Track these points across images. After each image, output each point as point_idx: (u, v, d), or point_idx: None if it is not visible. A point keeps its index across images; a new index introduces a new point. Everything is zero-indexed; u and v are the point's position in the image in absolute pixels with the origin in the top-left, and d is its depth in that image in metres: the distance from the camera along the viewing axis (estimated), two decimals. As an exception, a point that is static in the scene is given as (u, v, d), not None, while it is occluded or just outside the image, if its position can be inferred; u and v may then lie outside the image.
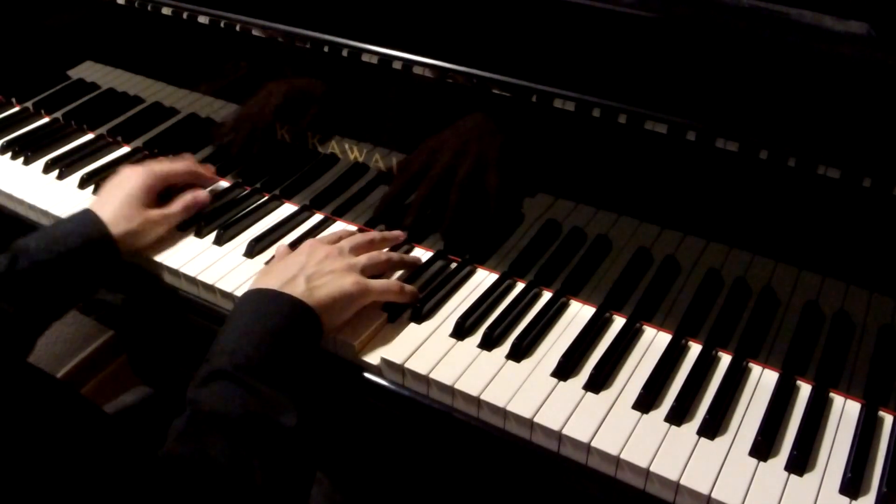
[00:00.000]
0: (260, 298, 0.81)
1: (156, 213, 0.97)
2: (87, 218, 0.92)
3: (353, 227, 1.04)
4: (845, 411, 0.80)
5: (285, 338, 0.77)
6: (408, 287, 0.90)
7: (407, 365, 0.83)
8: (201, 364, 0.75)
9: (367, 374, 0.86)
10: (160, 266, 0.97)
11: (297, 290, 0.81)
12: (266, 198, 1.09)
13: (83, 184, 1.12)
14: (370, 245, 0.94)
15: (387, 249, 0.96)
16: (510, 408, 0.78)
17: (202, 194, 1.04)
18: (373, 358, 0.85)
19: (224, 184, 1.13)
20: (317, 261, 0.86)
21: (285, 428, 0.72)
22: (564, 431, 0.76)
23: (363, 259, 0.90)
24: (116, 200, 0.94)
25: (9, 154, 1.20)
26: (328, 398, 0.93)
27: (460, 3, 0.89)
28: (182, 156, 1.10)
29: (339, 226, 1.05)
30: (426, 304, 0.90)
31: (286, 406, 0.73)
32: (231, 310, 0.80)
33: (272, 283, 0.82)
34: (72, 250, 0.88)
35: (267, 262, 0.96)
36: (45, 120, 1.29)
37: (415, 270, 0.95)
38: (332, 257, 0.87)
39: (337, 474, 0.99)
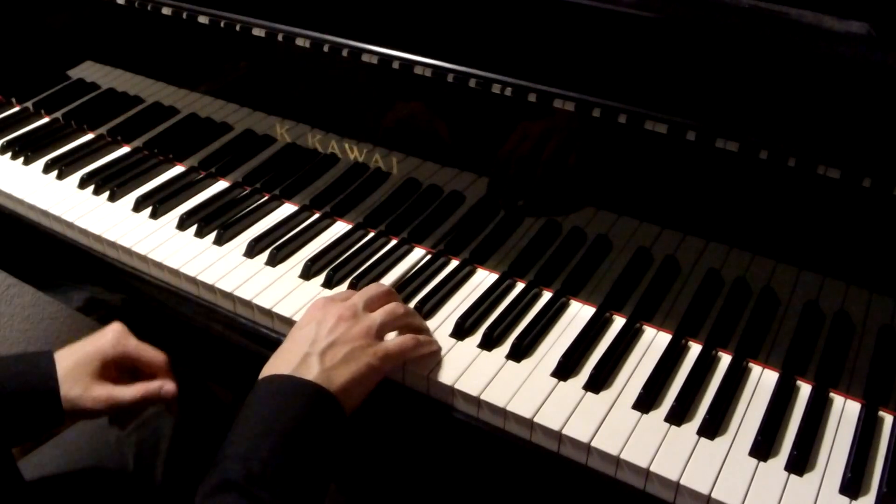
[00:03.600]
0: (273, 388, 0.72)
1: (101, 390, 0.84)
2: (42, 363, 0.84)
3: (349, 226, 1.04)
4: (845, 411, 0.80)
5: (304, 431, 0.68)
6: (422, 338, 0.82)
7: (407, 365, 0.83)
8: (211, 467, 0.67)
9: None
10: (161, 266, 0.98)
11: (312, 372, 0.72)
12: (266, 198, 1.09)
13: (83, 184, 1.12)
14: (387, 297, 0.84)
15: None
16: (510, 408, 0.78)
17: (170, 389, 0.87)
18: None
19: (224, 184, 1.13)
20: (328, 329, 0.76)
21: None
22: (564, 431, 0.76)
23: (379, 316, 0.80)
24: (77, 356, 0.85)
25: (9, 154, 1.20)
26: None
27: (460, 3, 0.89)
28: (160, 355, 0.90)
29: (340, 226, 1.05)
30: (426, 304, 0.90)
31: None
32: (245, 400, 0.72)
33: (285, 366, 0.73)
34: (16, 394, 0.81)
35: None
36: (45, 120, 1.29)
37: (415, 270, 0.95)
38: (345, 321, 0.77)
39: (338, 476, 0.99)
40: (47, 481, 0.93)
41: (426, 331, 0.86)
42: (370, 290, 0.84)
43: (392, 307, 0.82)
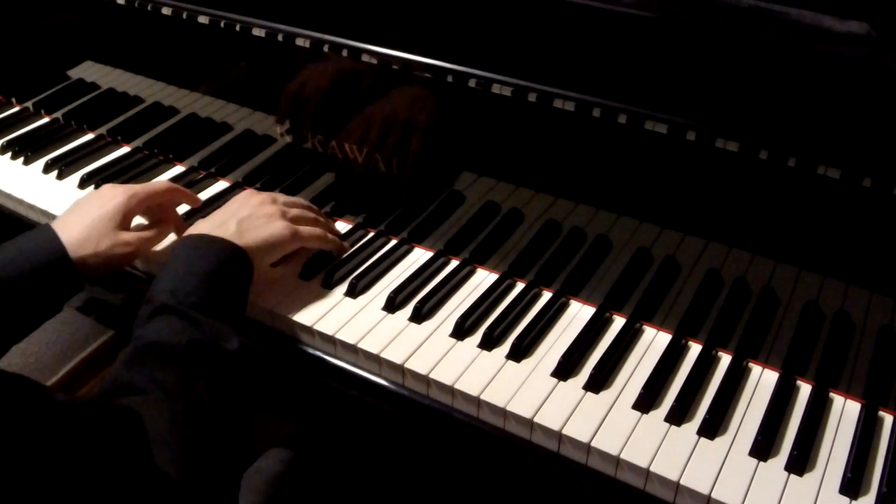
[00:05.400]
0: (194, 244, 0.84)
1: (130, 235, 0.92)
2: (44, 237, 0.88)
3: (349, 226, 1.04)
4: (845, 411, 0.80)
5: (219, 276, 0.81)
6: (331, 236, 0.97)
7: (407, 365, 0.83)
8: (142, 305, 0.77)
9: (365, 373, 0.86)
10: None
11: (228, 232, 0.85)
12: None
13: (83, 184, 1.12)
14: (304, 206, 0.98)
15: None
16: (510, 408, 0.78)
17: (180, 224, 1.01)
18: (372, 357, 0.85)
19: (224, 184, 1.13)
20: (250, 206, 0.90)
21: (228, 352, 0.75)
22: (564, 431, 0.76)
23: (295, 210, 0.94)
24: (86, 221, 0.90)
25: (9, 154, 1.20)
26: (324, 396, 0.93)
27: (461, 3, 0.89)
28: (163, 182, 1.02)
29: (340, 226, 1.05)
30: (426, 304, 0.90)
31: (228, 333, 0.76)
32: (168, 255, 0.83)
33: (205, 228, 0.86)
34: (25, 273, 0.84)
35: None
36: (45, 120, 1.29)
37: (415, 270, 0.95)
38: (265, 204, 0.91)
39: (338, 474, 0.99)
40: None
41: (336, 233, 1.01)
42: (292, 197, 0.99)
43: (306, 209, 0.97)
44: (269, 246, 0.88)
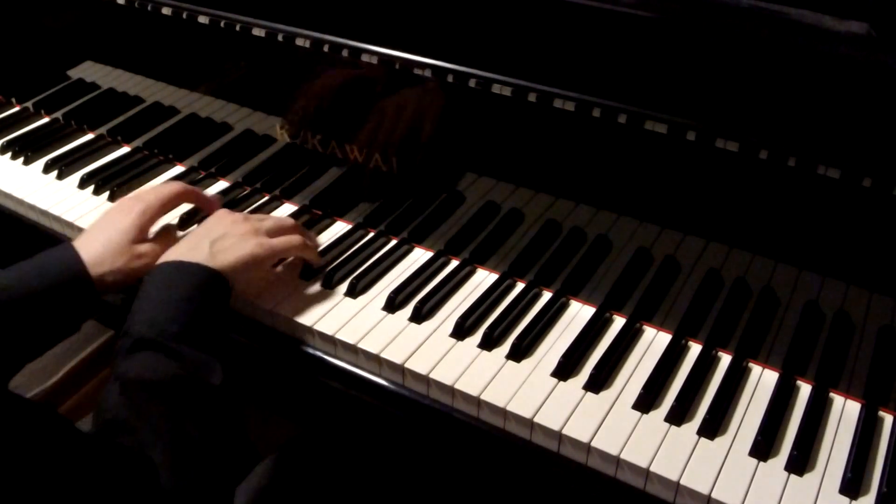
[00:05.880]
0: (167, 270, 0.83)
1: (144, 247, 0.91)
2: (64, 255, 0.88)
3: (349, 226, 1.04)
4: (845, 411, 0.80)
5: (197, 302, 0.80)
6: (310, 242, 0.95)
7: (407, 365, 0.83)
8: (119, 338, 0.76)
9: (365, 374, 0.86)
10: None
11: (202, 255, 0.84)
12: (266, 198, 1.09)
13: (83, 184, 1.12)
14: (282, 222, 0.96)
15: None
16: (510, 408, 0.78)
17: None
18: (372, 358, 0.85)
19: (224, 184, 1.13)
20: (223, 226, 0.89)
21: (213, 386, 0.75)
22: (564, 431, 0.76)
23: (268, 223, 0.93)
24: (102, 238, 0.90)
25: (9, 154, 1.20)
26: (325, 396, 0.93)
27: (461, 3, 0.89)
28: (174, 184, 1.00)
29: (340, 226, 1.05)
30: (426, 304, 0.90)
31: (211, 365, 0.75)
32: (141, 284, 0.82)
33: (178, 254, 0.85)
34: (44, 291, 0.84)
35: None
36: (45, 120, 1.29)
37: (415, 270, 0.95)
38: (237, 223, 0.90)
39: (338, 475, 0.99)
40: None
41: (314, 240, 0.99)
42: (269, 216, 0.98)
43: (282, 218, 0.96)
44: (245, 264, 0.86)
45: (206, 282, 0.82)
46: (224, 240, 0.87)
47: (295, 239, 0.93)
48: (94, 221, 0.94)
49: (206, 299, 0.81)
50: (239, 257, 0.86)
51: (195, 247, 0.85)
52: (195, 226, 1.02)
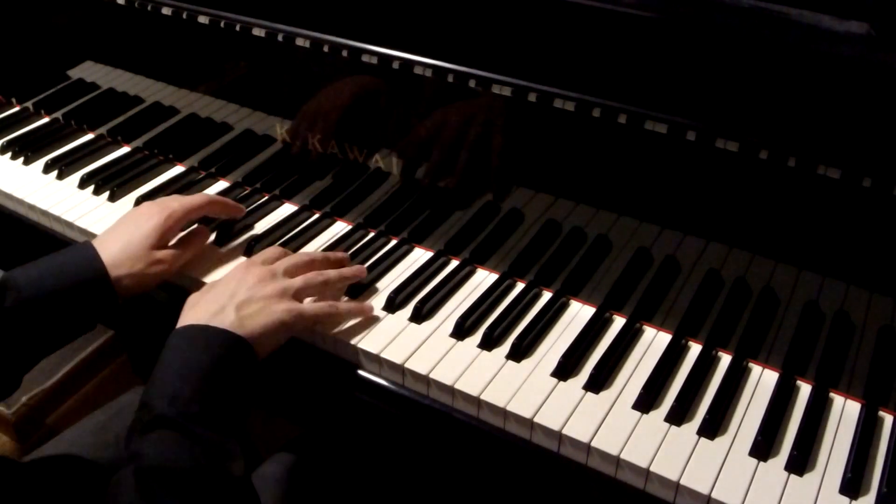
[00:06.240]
0: (191, 335, 0.78)
1: (164, 253, 0.91)
2: (84, 254, 0.87)
3: (349, 226, 1.04)
4: (845, 411, 0.80)
5: (221, 374, 0.75)
6: (342, 306, 0.88)
7: (407, 365, 0.83)
8: (138, 409, 0.72)
9: (365, 374, 0.86)
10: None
11: (227, 321, 0.78)
12: (266, 198, 1.09)
13: (83, 184, 1.12)
14: (309, 266, 0.90)
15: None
16: (510, 408, 0.78)
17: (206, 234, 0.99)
18: (372, 358, 0.85)
19: (224, 184, 1.14)
20: (248, 286, 0.82)
21: (234, 477, 0.70)
22: (564, 431, 0.76)
23: (298, 282, 0.85)
24: (122, 241, 0.89)
25: (9, 154, 1.20)
26: (326, 397, 0.93)
27: (461, 3, 0.89)
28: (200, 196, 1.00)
29: (340, 226, 1.05)
30: (426, 304, 0.90)
31: (233, 453, 0.71)
32: (164, 348, 0.77)
33: (202, 316, 0.79)
34: (63, 289, 0.83)
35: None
36: (45, 120, 1.29)
37: (415, 270, 0.95)
38: (264, 281, 0.84)
39: (338, 475, 0.99)
40: (47, 481, 0.93)
41: (344, 277, 0.91)
42: (294, 258, 0.90)
43: (311, 275, 0.88)
44: (273, 332, 0.80)
45: (232, 350, 0.77)
46: (250, 303, 0.80)
47: (326, 306, 0.86)
48: (116, 222, 0.93)
49: (232, 370, 0.76)
50: (266, 324, 0.80)
51: (220, 310, 0.79)
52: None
